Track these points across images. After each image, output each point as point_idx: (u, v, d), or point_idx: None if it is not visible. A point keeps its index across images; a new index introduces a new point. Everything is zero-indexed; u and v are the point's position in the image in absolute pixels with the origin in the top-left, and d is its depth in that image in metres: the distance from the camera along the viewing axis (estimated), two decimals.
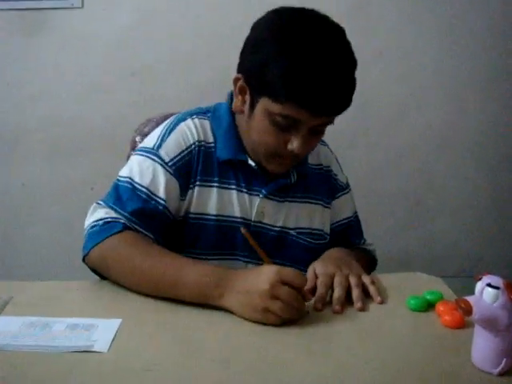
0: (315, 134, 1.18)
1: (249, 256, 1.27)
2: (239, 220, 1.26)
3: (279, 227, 1.30)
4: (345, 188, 1.43)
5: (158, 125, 1.36)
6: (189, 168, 1.23)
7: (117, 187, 1.20)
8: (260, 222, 1.28)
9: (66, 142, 2.38)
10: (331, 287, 1.10)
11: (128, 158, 1.43)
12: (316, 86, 1.07)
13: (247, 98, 1.18)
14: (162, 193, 1.19)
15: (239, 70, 1.19)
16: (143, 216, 1.16)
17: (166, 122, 1.30)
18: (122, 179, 1.21)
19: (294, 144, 1.14)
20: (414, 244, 2.63)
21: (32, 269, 2.36)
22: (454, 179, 2.60)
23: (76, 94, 2.35)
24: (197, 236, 1.25)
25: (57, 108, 2.36)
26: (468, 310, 0.80)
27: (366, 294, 1.11)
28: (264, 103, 1.13)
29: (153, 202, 1.18)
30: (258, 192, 1.28)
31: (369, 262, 1.43)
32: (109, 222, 1.15)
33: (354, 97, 1.14)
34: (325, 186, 1.38)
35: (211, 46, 2.34)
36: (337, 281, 1.10)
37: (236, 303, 0.99)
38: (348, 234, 1.44)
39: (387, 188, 2.56)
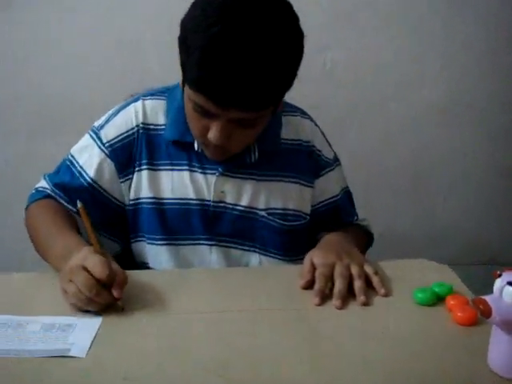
0: (243, 127, 1.05)
1: (212, 239, 1.21)
2: (196, 202, 1.20)
3: (244, 207, 1.21)
4: (331, 164, 1.31)
5: None
6: (129, 151, 1.20)
7: (61, 162, 1.25)
8: (222, 202, 1.20)
9: (49, 118, 2.26)
10: (331, 279, 1.02)
11: None
12: (221, 74, 0.94)
13: None
14: (92, 172, 1.19)
15: None
16: (67, 190, 1.20)
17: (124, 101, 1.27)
18: (68, 154, 1.24)
19: (211, 134, 1.04)
20: (414, 223, 2.56)
21: (13, 255, 2.25)
22: (454, 156, 2.52)
23: (59, 68, 2.22)
24: (154, 222, 1.21)
25: (39, 82, 2.24)
26: (487, 312, 0.72)
27: (368, 285, 1.02)
28: (186, 87, 1.04)
29: (81, 179, 1.19)
30: (214, 171, 1.19)
31: (366, 240, 1.36)
32: (39, 191, 1.23)
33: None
34: (305, 163, 1.26)
35: None
36: (337, 272, 1.02)
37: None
38: (338, 213, 1.33)
39: (386, 165, 2.47)
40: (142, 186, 1.20)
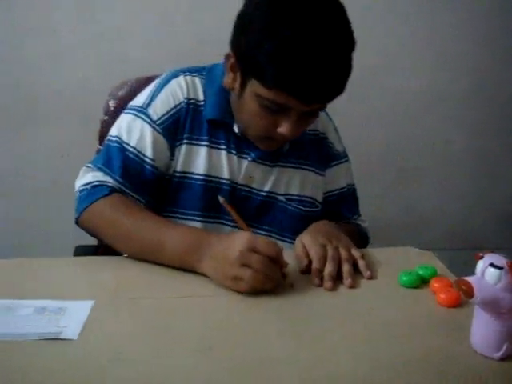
0: (308, 117, 1.12)
1: (234, 221, 1.22)
2: (226, 182, 1.22)
3: (267, 192, 1.26)
4: (342, 157, 1.37)
5: (132, 89, 1.41)
6: (176, 126, 1.20)
7: (107, 148, 1.19)
8: (247, 186, 1.24)
9: (30, 109, 2.22)
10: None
11: (102, 123, 1.44)
12: (305, 72, 1.00)
13: (238, 77, 1.12)
14: (149, 153, 1.17)
15: (231, 47, 1.12)
16: (130, 177, 1.16)
17: (158, 79, 1.26)
18: (111, 139, 1.19)
19: (284, 128, 1.09)
20: (399, 211, 2.58)
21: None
22: (437, 144, 2.54)
23: (39, 58, 2.18)
24: (181, 196, 1.22)
25: (18, 73, 2.19)
26: (469, 292, 0.74)
27: (354, 269, 1.04)
28: (253, 85, 1.07)
29: (140, 162, 1.17)
30: (246, 155, 1.23)
31: (359, 238, 1.34)
32: (96, 185, 1.14)
33: None
34: (318, 152, 1.32)
35: (192, 5, 2.20)
36: (328, 254, 1.04)
37: (210, 269, 0.98)
38: (340, 206, 1.37)
39: (368, 155, 2.48)
40: (180, 160, 1.20)
